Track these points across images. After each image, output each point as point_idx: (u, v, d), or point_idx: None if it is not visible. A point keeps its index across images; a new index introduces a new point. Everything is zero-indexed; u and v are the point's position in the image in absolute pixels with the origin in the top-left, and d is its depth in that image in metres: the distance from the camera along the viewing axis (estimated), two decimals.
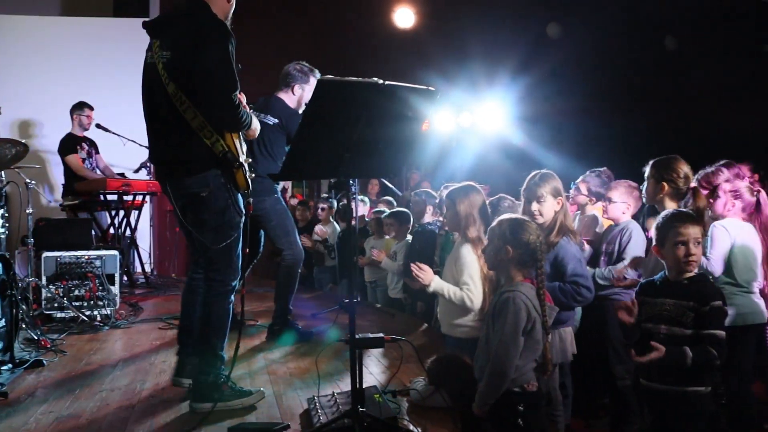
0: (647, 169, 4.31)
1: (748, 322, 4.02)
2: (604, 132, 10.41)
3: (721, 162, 4.47)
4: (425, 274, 4.01)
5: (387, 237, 7.25)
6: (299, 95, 5.49)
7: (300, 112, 5.41)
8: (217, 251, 3.71)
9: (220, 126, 3.59)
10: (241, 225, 3.81)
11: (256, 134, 3.95)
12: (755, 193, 4.25)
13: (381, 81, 2.99)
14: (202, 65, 3.49)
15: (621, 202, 4.70)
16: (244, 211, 3.81)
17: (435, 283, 4.02)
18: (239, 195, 3.76)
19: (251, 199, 3.85)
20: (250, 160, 3.83)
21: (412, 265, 4.10)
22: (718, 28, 9.93)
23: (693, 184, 4.21)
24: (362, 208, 8.38)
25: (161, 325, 6.05)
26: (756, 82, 10.33)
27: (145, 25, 3.85)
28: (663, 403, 3.26)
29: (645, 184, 4.33)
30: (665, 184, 4.16)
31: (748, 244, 4.11)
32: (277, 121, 5.31)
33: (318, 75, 5.46)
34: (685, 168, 4.18)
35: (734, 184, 4.31)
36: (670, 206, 4.04)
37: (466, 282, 3.95)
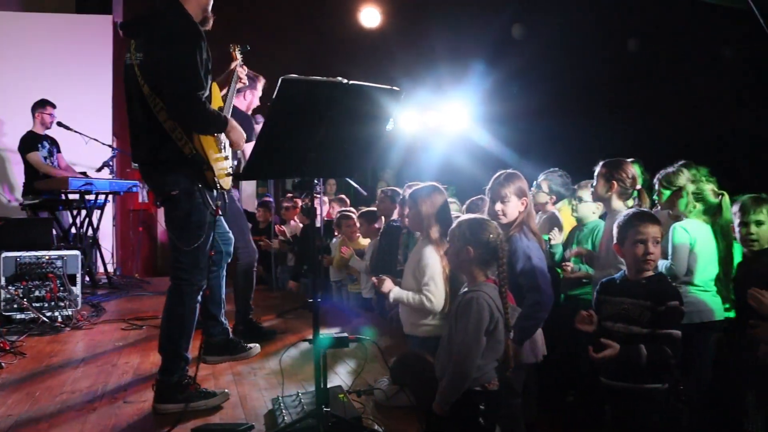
0: (598, 168, 4.42)
1: (705, 320, 4.11)
2: (567, 132, 10.49)
3: (681, 162, 4.54)
4: (384, 284, 4.07)
5: (358, 236, 7.25)
6: (249, 101, 5.73)
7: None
8: (185, 251, 3.73)
9: (184, 126, 3.63)
10: (213, 226, 3.83)
11: (241, 142, 3.95)
12: (718, 196, 4.33)
13: (345, 80, 2.99)
14: (165, 66, 3.50)
15: (592, 202, 4.76)
16: (215, 212, 3.84)
17: (394, 293, 4.06)
18: (212, 195, 3.81)
19: (219, 201, 3.85)
20: (235, 162, 3.86)
21: (372, 278, 4.17)
22: (681, 31, 10.07)
23: (639, 185, 4.32)
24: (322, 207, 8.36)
25: (124, 326, 5.98)
26: (716, 86, 10.50)
27: (121, 26, 3.88)
28: (622, 401, 3.31)
29: (594, 181, 4.44)
30: (614, 183, 4.27)
31: (706, 245, 4.19)
32: None
33: (263, 81, 5.80)
34: (632, 170, 4.30)
35: (699, 186, 4.39)
36: (617, 204, 4.19)
37: (426, 283, 3.95)
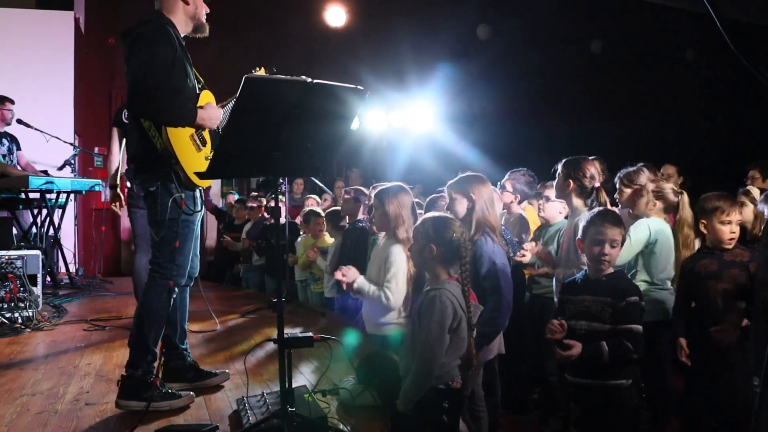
0: (559, 167, 4.42)
1: (662, 318, 4.17)
2: (530, 132, 10.59)
3: (641, 163, 4.61)
4: (349, 272, 4.09)
5: (324, 235, 7.25)
6: None
7: None
8: (161, 245, 3.78)
9: (152, 121, 3.65)
10: (193, 222, 3.88)
11: (213, 123, 3.91)
12: (677, 195, 4.41)
13: (310, 79, 2.98)
14: (130, 66, 3.59)
15: (558, 201, 4.80)
16: (197, 208, 3.88)
17: (358, 282, 4.10)
18: (190, 191, 3.83)
19: (182, 195, 3.82)
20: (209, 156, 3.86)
21: (339, 270, 4.16)
22: (643, 34, 10.22)
23: (597, 183, 4.36)
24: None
25: (86, 327, 5.91)
26: (678, 88, 10.67)
27: (118, 36, 3.93)
28: (587, 397, 3.35)
29: (556, 179, 4.45)
30: (571, 181, 4.26)
31: (666, 243, 4.25)
32: None
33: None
34: (592, 169, 4.32)
35: (659, 184, 4.47)
36: (577, 203, 4.20)
37: (389, 280, 4.01)
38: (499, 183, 5.47)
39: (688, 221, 4.35)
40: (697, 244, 4.28)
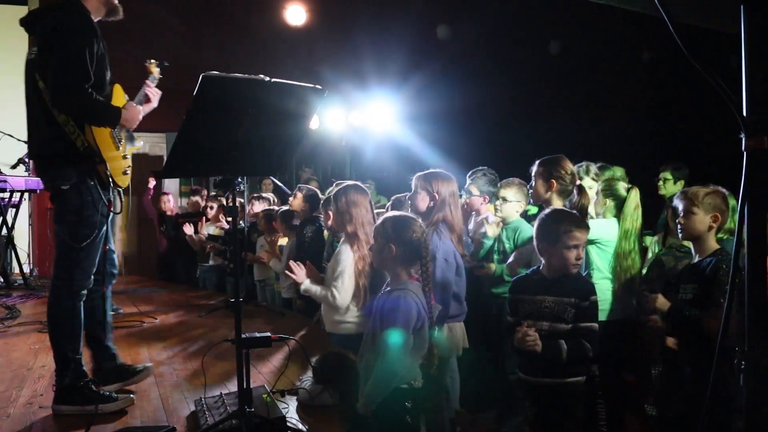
0: (534, 168, 4.35)
1: (622, 316, 4.22)
2: (490, 132, 10.66)
3: (583, 163, 4.68)
4: (299, 273, 4.11)
5: (278, 235, 7.21)
6: None
7: None
8: (74, 248, 3.65)
9: (74, 119, 3.57)
10: (106, 223, 3.76)
11: (133, 123, 3.85)
12: (626, 191, 4.44)
13: (268, 78, 2.97)
14: (52, 59, 3.46)
15: (515, 201, 4.82)
16: (117, 210, 3.83)
17: (305, 284, 4.13)
18: (107, 192, 3.74)
19: (111, 197, 3.76)
20: (128, 155, 3.80)
21: (289, 263, 4.16)
22: (601, 35, 10.35)
23: (577, 182, 4.34)
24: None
25: (40, 328, 5.79)
26: (635, 89, 10.84)
27: (21, 21, 3.76)
28: (542, 396, 3.37)
29: (532, 182, 4.38)
30: (554, 181, 4.22)
31: (611, 242, 4.30)
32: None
33: None
34: (570, 166, 4.29)
35: (607, 182, 4.51)
36: (558, 203, 4.13)
37: (336, 278, 4.03)
38: (463, 189, 5.44)
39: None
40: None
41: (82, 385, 3.63)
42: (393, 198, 5.40)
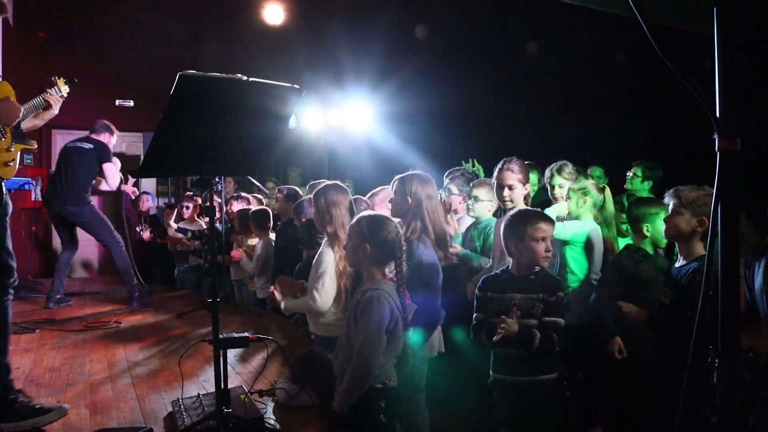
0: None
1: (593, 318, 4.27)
2: (468, 132, 10.69)
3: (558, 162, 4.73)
4: (275, 296, 4.16)
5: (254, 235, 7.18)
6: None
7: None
8: None
9: None
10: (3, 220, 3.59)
11: (10, 119, 3.81)
12: (601, 190, 4.50)
13: (245, 77, 2.96)
14: None
15: (487, 201, 4.85)
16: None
17: (284, 305, 4.14)
18: None
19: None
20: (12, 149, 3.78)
21: (273, 287, 4.20)
22: (577, 37, 10.40)
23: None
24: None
25: (15, 330, 5.71)
26: (610, 90, 10.90)
27: None
28: (516, 394, 3.39)
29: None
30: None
31: (601, 243, 4.35)
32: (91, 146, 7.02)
33: (116, 132, 7.37)
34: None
35: (581, 183, 4.54)
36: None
37: (317, 280, 4.00)
38: (442, 188, 5.47)
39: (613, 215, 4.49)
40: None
41: (11, 399, 3.49)
42: (353, 197, 5.42)
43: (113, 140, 7.37)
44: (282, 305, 4.15)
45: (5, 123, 3.76)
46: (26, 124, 4.17)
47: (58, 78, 4.38)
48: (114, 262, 7.21)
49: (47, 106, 4.17)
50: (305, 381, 3.72)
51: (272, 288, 4.26)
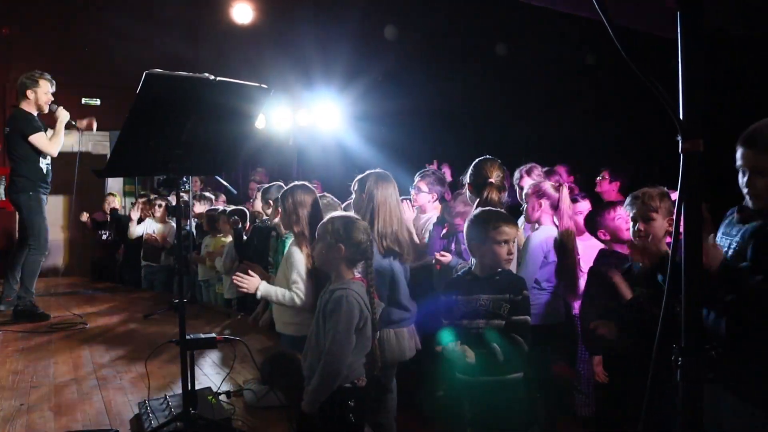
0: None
1: (551, 321, 4.33)
2: (438, 133, 10.72)
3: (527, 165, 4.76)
4: (250, 281, 4.02)
5: (219, 235, 7.14)
6: (33, 98, 6.15)
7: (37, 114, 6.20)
8: None
9: None
10: None
11: None
12: (558, 189, 4.47)
13: (213, 77, 2.94)
14: None
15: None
16: None
17: (262, 288, 4.04)
18: None
19: None
20: None
21: (235, 276, 4.09)
22: (545, 39, 10.47)
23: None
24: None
25: None
26: (578, 92, 10.99)
27: None
28: (482, 395, 3.41)
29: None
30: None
31: (552, 250, 4.36)
32: (8, 129, 6.14)
33: (48, 77, 6.26)
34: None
35: (536, 185, 4.55)
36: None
37: (295, 280, 4.00)
38: (411, 186, 5.47)
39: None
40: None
41: None
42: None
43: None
44: (259, 292, 4.02)
45: None
46: None
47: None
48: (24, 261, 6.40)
49: None
50: (274, 381, 3.71)
51: (237, 276, 4.08)
